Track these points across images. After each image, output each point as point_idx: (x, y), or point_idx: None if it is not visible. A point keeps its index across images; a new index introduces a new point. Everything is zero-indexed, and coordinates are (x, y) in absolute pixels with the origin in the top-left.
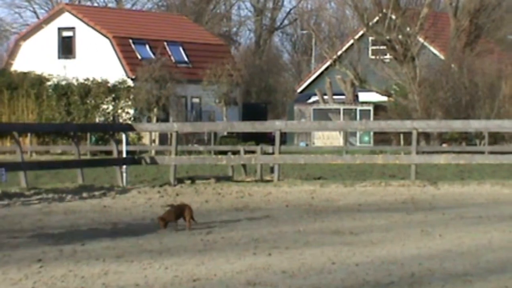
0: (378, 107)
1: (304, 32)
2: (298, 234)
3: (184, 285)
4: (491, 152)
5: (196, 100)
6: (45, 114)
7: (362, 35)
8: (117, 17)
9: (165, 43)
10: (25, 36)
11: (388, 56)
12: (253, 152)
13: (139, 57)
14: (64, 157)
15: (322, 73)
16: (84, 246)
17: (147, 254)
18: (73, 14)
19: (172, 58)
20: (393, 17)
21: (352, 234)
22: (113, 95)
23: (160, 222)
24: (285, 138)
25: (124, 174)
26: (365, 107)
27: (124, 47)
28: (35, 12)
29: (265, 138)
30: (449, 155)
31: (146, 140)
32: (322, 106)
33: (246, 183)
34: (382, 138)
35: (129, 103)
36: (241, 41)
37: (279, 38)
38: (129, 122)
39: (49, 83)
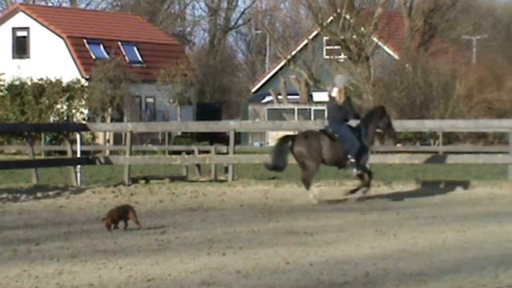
0: None
1: (258, 32)
2: (253, 234)
3: (139, 285)
4: (446, 152)
5: (150, 100)
6: None
7: (316, 35)
8: (71, 17)
9: (119, 43)
10: None
11: (342, 56)
12: (207, 152)
13: (93, 57)
14: (18, 157)
15: (276, 73)
16: (39, 246)
17: (101, 254)
18: (27, 14)
19: (126, 58)
20: (347, 17)
21: (306, 234)
22: (67, 95)
23: (108, 224)
24: (239, 138)
25: (79, 174)
26: (320, 107)
27: (79, 47)
28: None
29: (219, 138)
30: (404, 155)
31: (100, 140)
32: (276, 106)
33: (200, 183)
34: None
35: (83, 103)
36: (195, 41)
37: (234, 38)
38: (83, 122)
39: (2, 83)
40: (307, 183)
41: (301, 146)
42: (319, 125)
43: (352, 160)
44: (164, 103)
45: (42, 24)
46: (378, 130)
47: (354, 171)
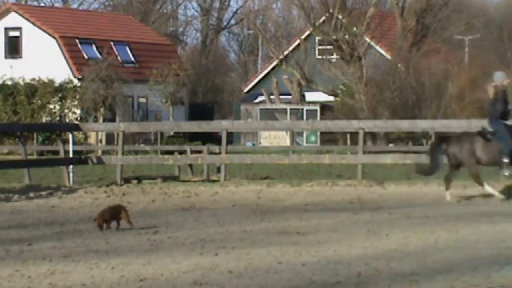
0: (324, 107)
1: (251, 32)
2: (245, 234)
3: (131, 285)
4: None
5: (142, 100)
6: None
7: (309, 35)
8: (64, 17)
9: (111, 43)
10: None
11: (334, 56)
12: (199, 152)
13: (86, 57)
14: (10, 157)
15: (268, 73)
16: (31, 246)
17: (93, 254)
18: (20, 14)
19: (118, 58)
20: (340, 17)
21: (298, 234)
22: (60, 95)
23: (99, 223)
24: (231, 138)
25: (71, 174)
26: (312, 107)
27: (71, 47)
28: None
29: (211, 138)
30: (396, 155)
31: (92, 140)
32: (268, 106)
33: (192, 183)
34: (328, 138)
35: (76, 103)
36: (187, 41)
37: (226, 38)
38: (76, 122)
39: None
40: (479, 181)
41: (455, 147)
42: (311, 124)
43: (505, 160)
44: (156, 103)
45: (34, 24)
46: None
47: (506, 173)
